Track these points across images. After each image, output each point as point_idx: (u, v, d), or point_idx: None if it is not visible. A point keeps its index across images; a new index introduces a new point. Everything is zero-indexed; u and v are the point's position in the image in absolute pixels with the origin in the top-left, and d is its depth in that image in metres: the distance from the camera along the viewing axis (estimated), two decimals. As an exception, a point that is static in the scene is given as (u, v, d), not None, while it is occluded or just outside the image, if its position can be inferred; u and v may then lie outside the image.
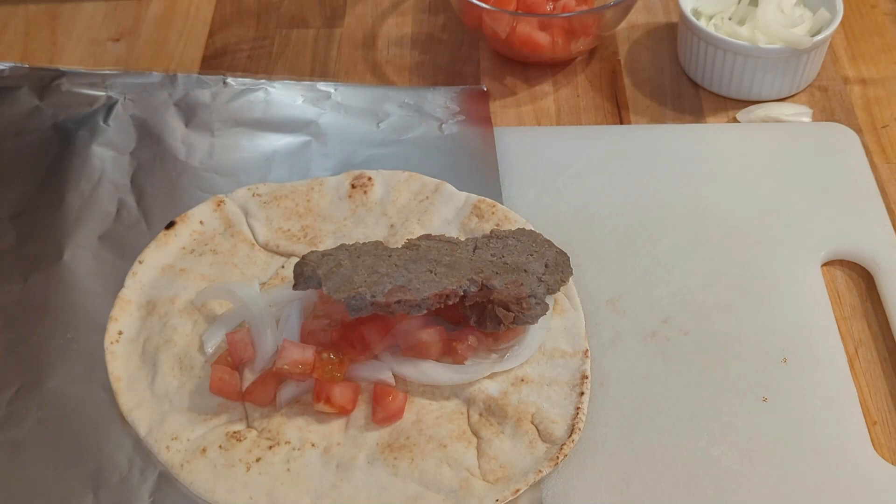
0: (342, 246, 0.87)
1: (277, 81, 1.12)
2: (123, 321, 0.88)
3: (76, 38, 1.22)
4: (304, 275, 0.83)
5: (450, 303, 0.81)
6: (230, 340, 0.83)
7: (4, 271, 0.93)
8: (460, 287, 0.81)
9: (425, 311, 0.80)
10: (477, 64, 1.18)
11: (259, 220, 0.96)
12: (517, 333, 0.85)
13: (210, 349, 0.85)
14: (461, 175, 1.00)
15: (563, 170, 1.02)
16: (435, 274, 0.83)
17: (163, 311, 0.88)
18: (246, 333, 0.84)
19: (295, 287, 0.84)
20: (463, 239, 0.91)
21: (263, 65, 1.18)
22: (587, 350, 0.85)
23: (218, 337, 0.86)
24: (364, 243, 0.88)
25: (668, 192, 0.99)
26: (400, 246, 0.89)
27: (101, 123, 1.06)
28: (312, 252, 0.86)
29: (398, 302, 0.79)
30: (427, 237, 0.89)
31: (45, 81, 1.10)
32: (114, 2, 1.28)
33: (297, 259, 0.88)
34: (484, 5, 1.09)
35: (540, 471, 0.77)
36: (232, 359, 0.83)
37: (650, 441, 0.80)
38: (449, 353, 0.83)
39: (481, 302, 0.82)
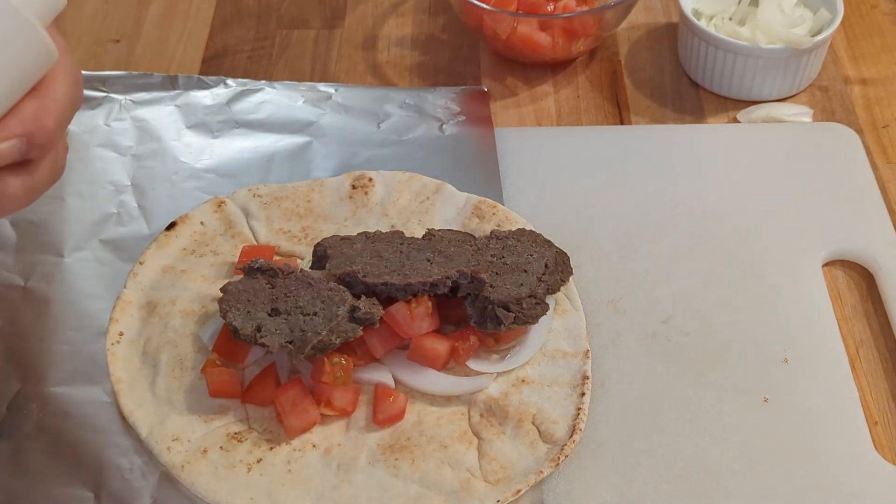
0: (363, 233, 0.90)
1: (278, 83, 1.12)
2: (124, 322, 0.88)
3: (76, 39, 1.22)
4: (317, 254, 0.88)
5: (438, 291, 0.82)
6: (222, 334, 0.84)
7: (4, 273, 0.93)
8: (448, 277, 0.81)
9: (411, 297, 0.81)
10: (477, 64, 1.18)
11: (260, 220, 0.96)
12: (518, 334, 0.85)
13: (207, 341, 0.85)
14: (462, 176, 1.00)
15: (564, 170, 1.02)
16: (431, 263, 0.84)
17: (164, 313, 0.88)
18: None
19: (311, 267, 0.88)
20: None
21: (264, 66, 1.19)
22: (588, 351, 0.85)
23: (214, 328, 0.86)
24: (384, 232, 0.90)
25: (668, 192, 0.99)
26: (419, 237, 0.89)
27: (102, 124, 1.06)
28: (334, 236, 0.89)
29: (384, 284, 0.82)
30: (449, 231, 0.90)
31: (46, 83, 1.10)
32: (114, 2, 1.28)
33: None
34: (484, 6, 1.09)
35: (541, 471, 0.77)
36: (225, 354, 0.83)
37: (651, 441, 0.80)
38: (451, 355, 0.83)
39: (482, 302, 0.83)
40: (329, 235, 0.91)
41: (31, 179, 0.65)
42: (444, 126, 1.07)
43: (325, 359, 0.79)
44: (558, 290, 0.88)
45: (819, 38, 1.05)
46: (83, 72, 1.12)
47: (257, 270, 0.84)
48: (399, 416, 0.81)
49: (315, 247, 0.89)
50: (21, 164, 0.64)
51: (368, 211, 0.97)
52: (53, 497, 0.78)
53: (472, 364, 0.83)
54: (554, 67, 1.17)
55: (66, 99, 0.65)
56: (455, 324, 0.85)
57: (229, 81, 1.12)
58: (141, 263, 0.92)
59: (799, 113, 1.09)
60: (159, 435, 0.80)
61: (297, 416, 0.79)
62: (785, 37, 1.05)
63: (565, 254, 0.90)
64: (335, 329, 0.79)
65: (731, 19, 1.11)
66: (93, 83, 1.10)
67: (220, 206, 0.97)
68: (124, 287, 0.91)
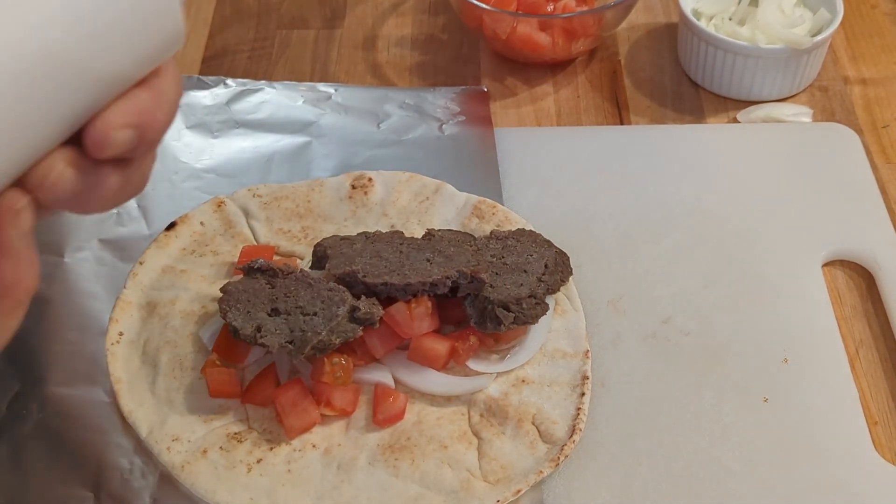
0: (363, 233, 0.89)
1: (278, 83, 1.12)
2: (124, 322, 0.88)
3: (76, 40, 1.22)
4: (317, 254, 0.88)
5: (438, 291, 0.82)
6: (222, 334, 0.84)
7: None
8: (448, 277, 0.81)
9: (411, 297, 0.81)
10: (477, 64, 1.18)
11: (259, 220, 0.96)
12: (518, 334, 0.85)
13: (207, 341, 0.85)
14: (461, 176, 1.00)
15: (564, 170, 1.02)
16: (431, 263, 0.84)
17: (163, 313, 0.88)
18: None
19: (311, 267, 0.88)
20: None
21: (264, 65, 1.18)
22: (588, 351, 0.85)
23: (214, 328, 0.86)
24: (384, 232, 0.90)
25: (668, 192, 0.99)
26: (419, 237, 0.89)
27: (102, 124, 1.06)
28: (333, 236, 0.89)
29: (384, 284, 0.82)
30: (448, 231, 0.90)
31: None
32: (114, 3, 1.28)
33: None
34: (484, 6, 1.09)
35: (541, 471, 0.77)
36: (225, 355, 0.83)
37: (651, 441, 0.80)
38: (450, 355, 0.83)
39: (481, 302, 0.83)
40: (329, 235, 0.91)
41: (126, 182, 0.57)
42: (443, 126, 1.07)
43: (325, 359, 0.79)
44: (558, 290, 0.88)
45: (819, 38, 1.05)
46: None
47: (257, 270, 0.84)
48: (399, 416, 0.81)
49: (315, 247, 0.89)
50: (120, 163, 0.56)
51: (368, 211, 0.97)
52: (53, 497, 0.78)
53: (472, 364, 0.83)
54: (554, 67, 1.17)
55: (174, 97, 0.57)
56: (455, 324, 0.85)
57: (229, 81, 1.11)
58: (141, 263, 0.92)
59: (799, 113, 1.09)
60: (159, 435, 0.80)
61: (297, 417, 0.79)
62: (785, 37, 1.05)
63: (565, 254, 0.90)
64: (335, 329, 0.79)
65: (730, 19, 1.11)
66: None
67: (219, 206, 0.97)
68: (124, 287, 0.91)
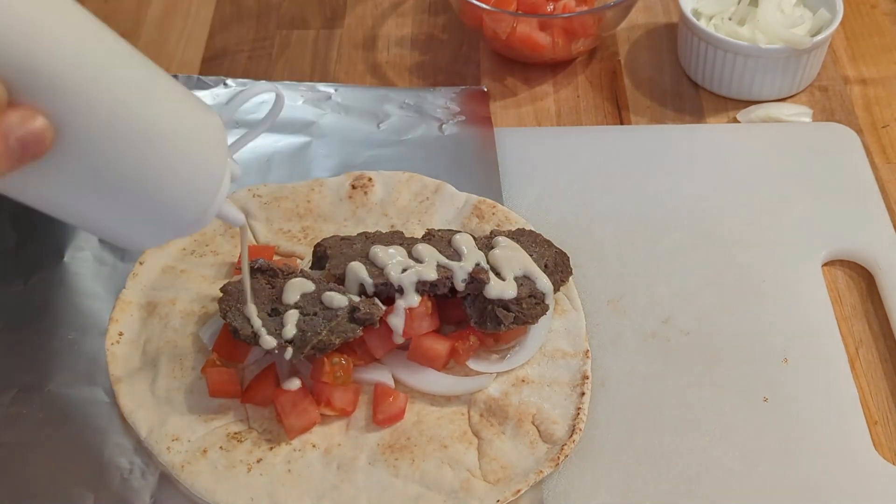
0: (363, 233, 0.90)
1: (278, 83, 1.12)
2: (124, 322, 0.88)
3: (76, 40, 1.22)
4: (317, 254, 0.88)
5: (438, 291, 0.82)
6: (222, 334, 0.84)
7: (5, 272, 0.93)
8: (448, 277, 0.81)
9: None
10: (477, 64, 1.18)
11: (259, 220, 0.96)
12: (518, 334, 0.85)
13: (207, 341, 0.85)
14: (461, 175, 1.00)
15: (564, 170, 1.02)
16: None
17: (163, 313, 0.88)
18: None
19: (311, 267, 0.88)
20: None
21: (263, 66, 1.18)
22: (588, 350, 0.85)
23: (214, 328, 0.86)
24: (385, 232, 0.90)
25: (668, 192, 0.99)
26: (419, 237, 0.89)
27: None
28: (333, 236, 0.89)
29: (384, 284, 0.81)
30: (448, 231, 0.90)
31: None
32: (114, 3, 1.28)
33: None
34: (484, 6, 1.09)
35: (541, 471, 0.77)
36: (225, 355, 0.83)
37: (651, 441, 0.80)
38: (451, 355, 0.83)
39: (481, 302, 0.83)
40: (329, 235, 0.91)
41: None
42: (443, 126, 1.07)
43: (325, 359, 0.79)
44: (558, 289, 0.88)
45: (819, 38, 1.05)
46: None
47: (257, 270, 0.84)
48: (399, 415, 0.81)
49: (315, 247, 0.89)
50: None
51: (368, 211, 0.97)
52: (53, 497, 0.78)
53: (472, 364, 0.84)
54: (554, 67, 1.17)
55: None
56: (455, 324, 0.85)
57: (229, 81, 1.11)
58: (141, 263, 0.92)
59: (799, 113, 1.09)
60: (159, 435, 0.80)
61: (297, 416, 0.79)
62: (785, 37, 1.05)
63: (565, 254, 0.90)
64: (335, 329, 0.79)
65: (730, 19, 1.11)
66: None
67: (219, 206, 0.97)
68: (124, 287, 0.91)
